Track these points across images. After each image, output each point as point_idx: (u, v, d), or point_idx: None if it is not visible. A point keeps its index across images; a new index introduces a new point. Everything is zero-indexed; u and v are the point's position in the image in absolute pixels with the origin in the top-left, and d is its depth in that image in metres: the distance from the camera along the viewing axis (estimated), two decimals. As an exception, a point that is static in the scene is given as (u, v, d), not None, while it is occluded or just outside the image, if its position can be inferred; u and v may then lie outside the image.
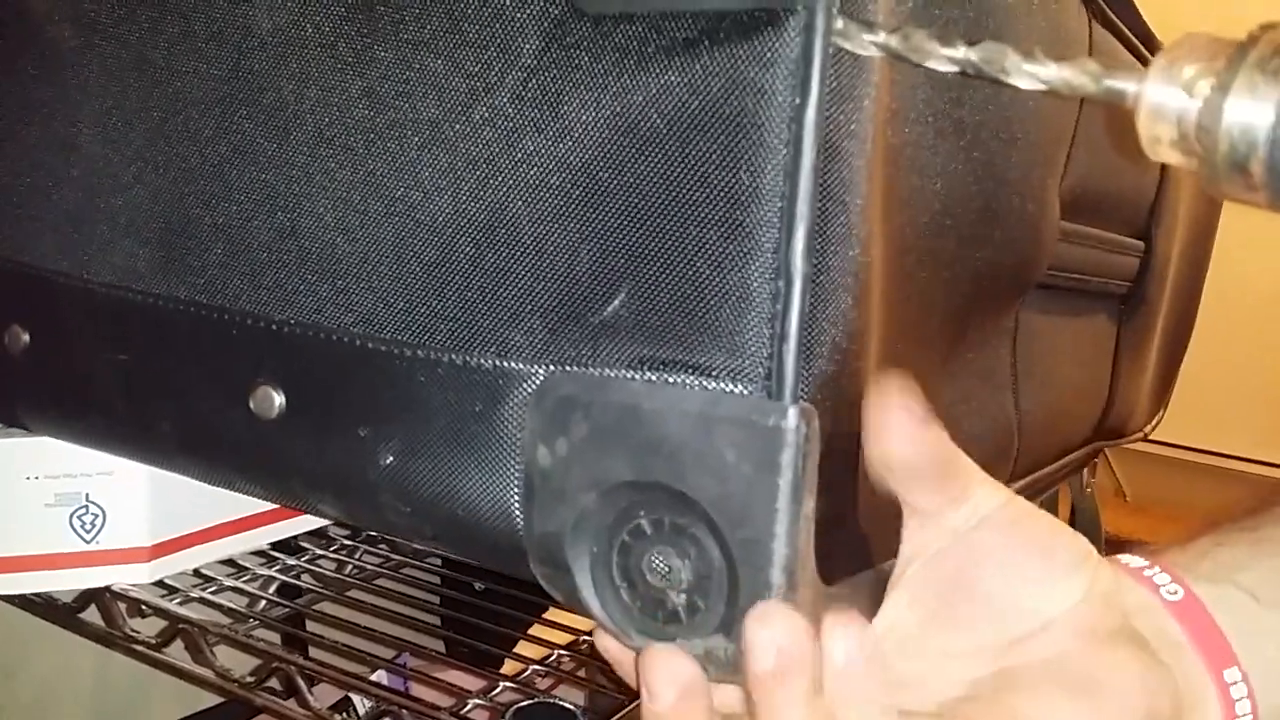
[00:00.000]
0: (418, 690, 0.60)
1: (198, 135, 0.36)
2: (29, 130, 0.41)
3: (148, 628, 0.50)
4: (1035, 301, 0.46)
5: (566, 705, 0.45)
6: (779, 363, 0.27)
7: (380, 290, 0.33)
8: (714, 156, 0.27)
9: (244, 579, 0.54)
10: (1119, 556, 0.33)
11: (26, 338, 0.42)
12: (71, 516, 0.48)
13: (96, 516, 0.48)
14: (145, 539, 0.49)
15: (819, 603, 0.28)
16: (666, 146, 0.28)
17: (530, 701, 0.46)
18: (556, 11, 0.29)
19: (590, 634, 0.50)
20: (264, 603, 0.54)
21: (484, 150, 0.30)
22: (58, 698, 0.66)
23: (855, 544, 0.31)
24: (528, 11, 0.30)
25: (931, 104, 0.32)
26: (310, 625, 0.60)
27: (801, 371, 0.27)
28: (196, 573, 0.52)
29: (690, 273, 0.28)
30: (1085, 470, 0.78)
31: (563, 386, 0.29)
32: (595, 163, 0.29)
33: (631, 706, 0.45)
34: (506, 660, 0.53)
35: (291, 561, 0.57)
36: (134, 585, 0.49)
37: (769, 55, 0.26)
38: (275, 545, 0.57)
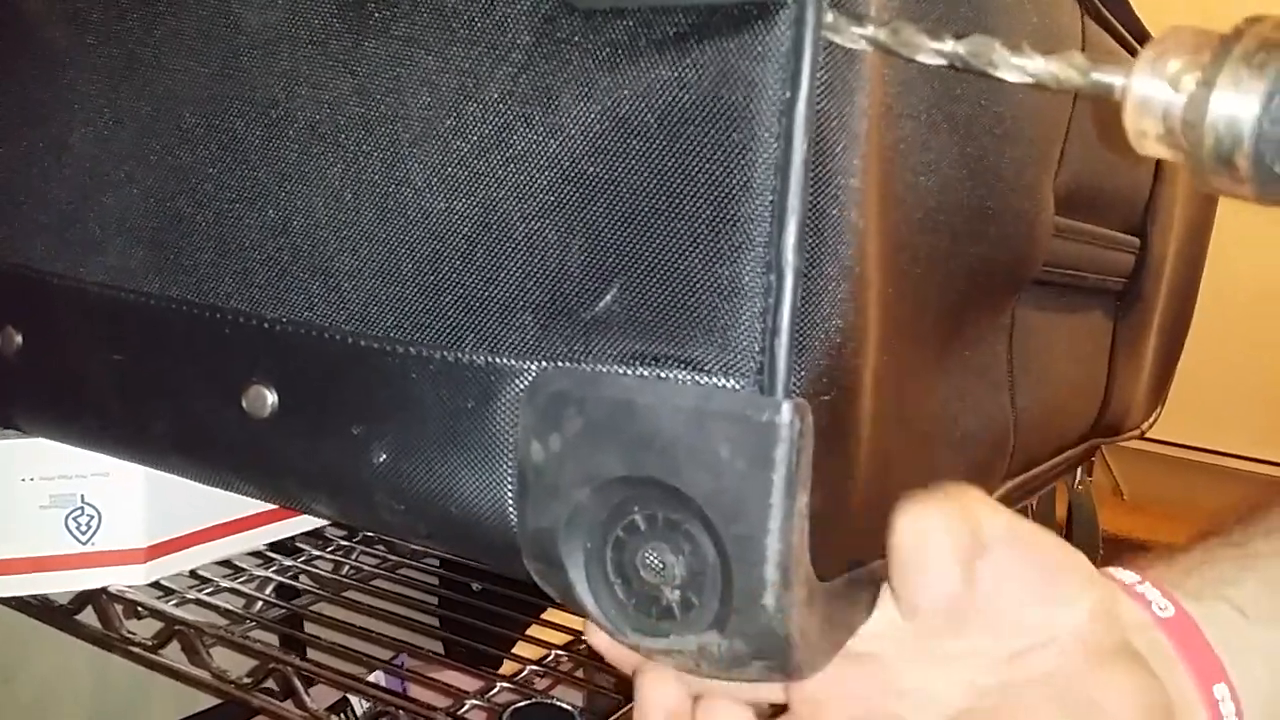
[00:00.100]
0: (415, 691, 0.60)
1: (189, 133, 0.36)
2: (20, 130, 0.41)
3: (144, 629, 0.50)
4: (1031, 298, 0.46)
5: (564, 706, 0.45)
6: (771, 357, 0.27)
7: (372, 287, 0.32)
8: (705, 151, 0.27)
9: (240, 580, 0.54)
10: (1110, 571, 0.33)
11: (20, 339, 0.42)
12: (67, 518, 0.48)
13: (92, 518, 0.48)
14: (141, 540, 0.49)
15: (814, 599, 0.28)
16: (657, 141, 0.28)
17: (527, 702, 0.46)
18: (547, 7, 0.29)
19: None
20: (260, 604, 0.54)
21: (475, 146, 0.30)
22: (56, 699, 0.66)
23: (850, 540, 0.31)
24: (518, 7, 0.30)
25: (924, 99, 0.32)
26: (307, 626, 0.59)
27: (794, 366, 0.27)
28: (193, 574, 0.52)
29: (682, 267, 0.28)
30: (1082, 468, 0.78)
31: (555, 382, 0.29)
32: (586, 158, 0.29)
33: (629, 707, 0.45)
34: (504, 661, 0.53)
35: (288, 562, 0.57)
36: (130, 587, 0.49)
37: (759, 49, 0.26)
38: (272, 546, 0.57)
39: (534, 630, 0.57)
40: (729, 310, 0.27)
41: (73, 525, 0.48)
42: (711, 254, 0.27)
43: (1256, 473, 1.20)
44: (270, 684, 0.47)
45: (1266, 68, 0.22)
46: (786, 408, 0.26)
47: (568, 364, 0.30)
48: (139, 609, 0.50)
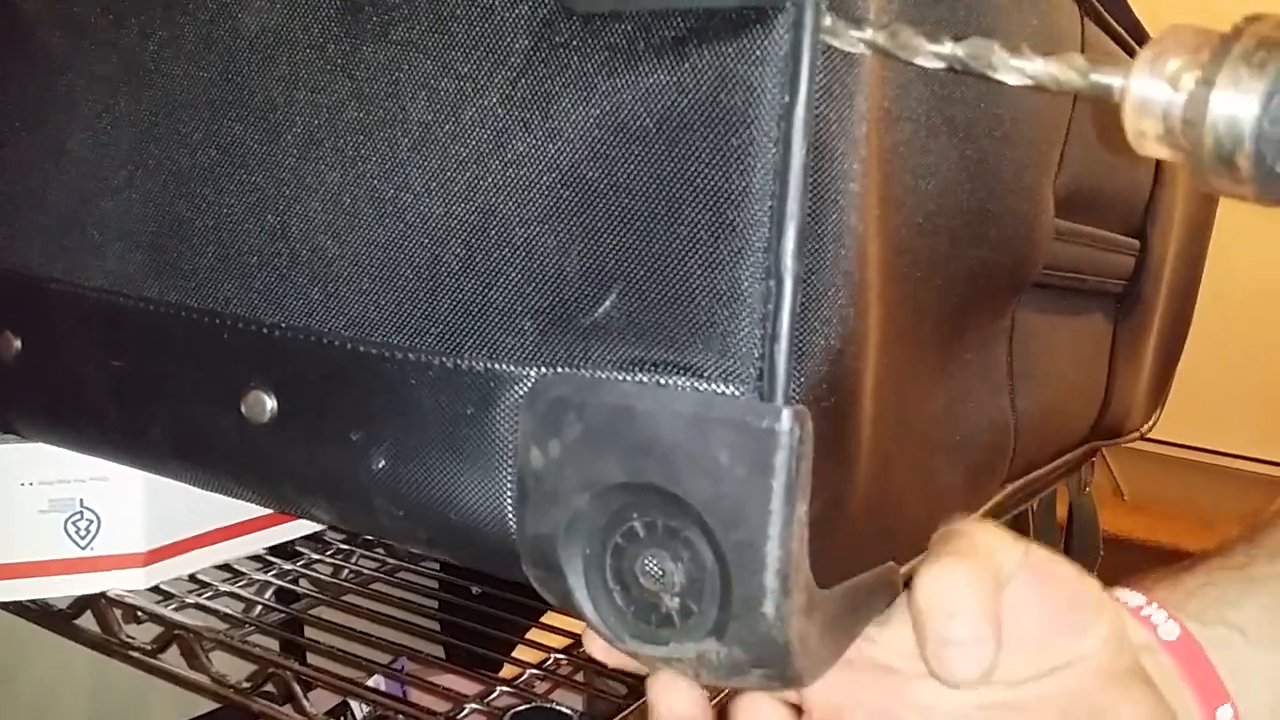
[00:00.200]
0: (415, 695, 0.59)
1: (187, 138, 0.36)
2: (19, 134, 0.41)
3: (143, 634, 0.50)
4: (1031, 301, 0.46)
5: (563, 710, 0.45)
6: (771, 363, 0.27)
7: (371, 293, 0.32)
8: (704, 155, 0.27)
9: (240, 584, 0.54)
10: (1117, 593, 0.33)
11: (19, 344, 0.42)
12: (66, 522, 0.48)
13: (91, 522, 0.48)
14: (140, 545, 0.49)
15: (814, 606, 0.28)
16: (656, 146, 0.27)
17: (527, 706, 0.46)
18: (545, 11, 0.29)
19: (588, 638, 0.50)
20: (260, 608, 0.54)
21: (474, 151, 0.30)
22: (56, 701, 0.66)
23: (850, 546, 0.31)
24: (516, 11, 0.30)
25: (924, 103, 0.32)
26: (307, 630, 0.59)
27: (794, 372, 0.27)
28: (192, 578, 0.52)
29: (681, 273, 0.27)
30: (1083, 469, 0.78)
31: (555, 388, 0.29)
32: (585, 163, 0.29)
33: (628, 711, 0.45)
34: (504, 665, 0.53)
35: (288, 566, 0.57)
36: (129, 591, 0.49)
37: (758, 53, 0.26)
38: (271, 550, 0.56)
39: (534, 634, 0.57)
40: (728, 316, 0.27)
41: (72, 530, 0.48)
42: (710, 259, 0.27)
43: (1256, 473, 1.20)
44: (269, 688, 0.46)
45: (1266, 67, 0.22)
46: (786, 414, 0.26)
47: (567, 370, 0.29)
48: (138, 613, 0.49)
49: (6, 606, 0.50)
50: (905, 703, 0.30)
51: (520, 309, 0.30)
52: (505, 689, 0.46)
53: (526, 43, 0.29)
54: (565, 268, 0.29)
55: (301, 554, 0.58)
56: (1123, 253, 0.58)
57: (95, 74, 0.39)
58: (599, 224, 0.29)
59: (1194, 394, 0.88)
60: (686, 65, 0.27)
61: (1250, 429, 1.21)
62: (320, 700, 0.50)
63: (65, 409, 0.42)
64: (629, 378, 0.28)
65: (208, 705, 0.70)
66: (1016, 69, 0.25)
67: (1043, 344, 0.49)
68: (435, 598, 0.61)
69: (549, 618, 0.57)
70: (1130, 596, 0.33)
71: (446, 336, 0.31)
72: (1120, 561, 0.33)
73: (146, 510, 0.49)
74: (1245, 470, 1.21)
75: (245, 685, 0.46)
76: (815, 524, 0.27)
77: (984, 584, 0.28)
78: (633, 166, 0.28)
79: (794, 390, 0.27)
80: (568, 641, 0.51)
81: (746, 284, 0.27)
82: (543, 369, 0.30)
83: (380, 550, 0.62)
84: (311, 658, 0.55)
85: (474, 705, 0.45)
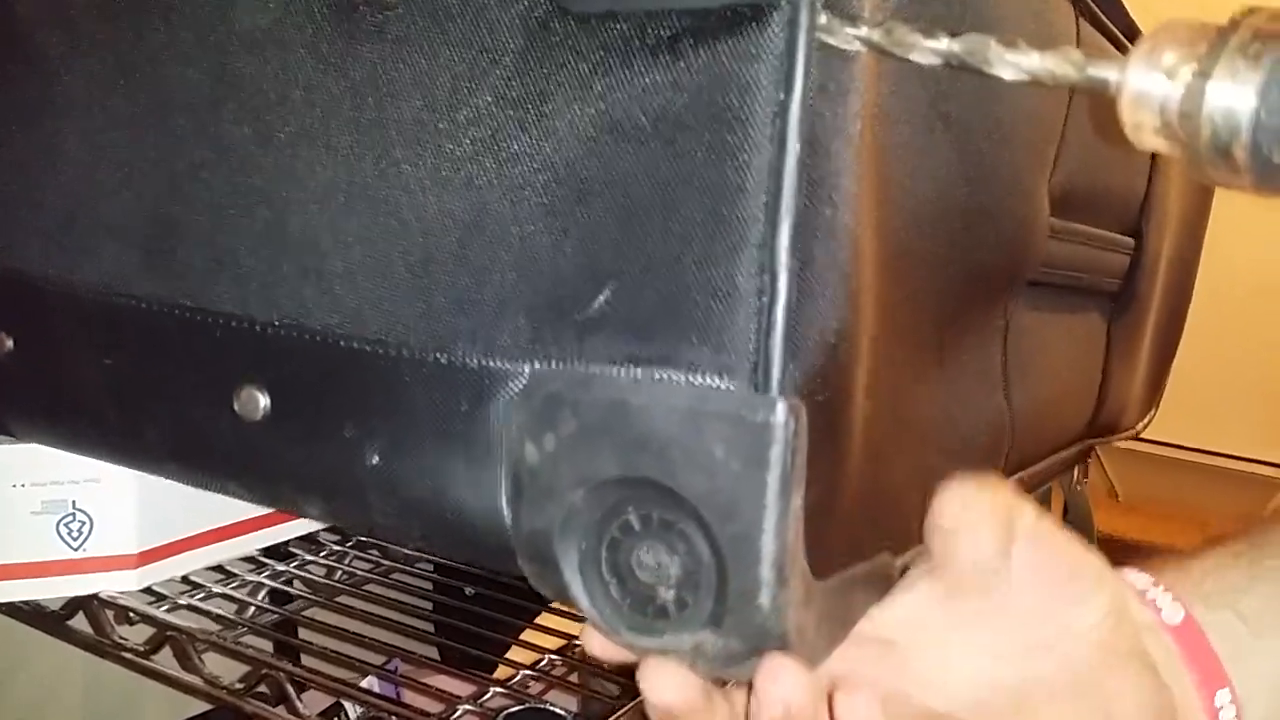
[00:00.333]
0: (408, 696, 0.59)
1: (181, 137, 0.36)
2: (12, 133, 0.41)
3: (136, 635, 0.49)
4: (1026, 299, 0.46)
5: (557, 710, 0.45)
6: (765, 358, 0.27)
7: (364, 290, 0.32)
8: (699, 153, 0.27)
9: (233, 585, 0.54)
10: (1124, 573, 0.33)
11: (11, 343, 0.42)
12: (59, 524, 0.48)
13: (84, 524, 0.48)
14: (133, 546, 0.49)
15: (811, 597, 0.28)
16: (651, 143, 0.27)
17: (520, 707, 0.45)
18: (540, 11, 0.29)
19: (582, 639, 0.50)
20: (253, 609, 0.53)
21: (468, 149, 0.30)
22: (49, 703, 0.66)
23: (845, 539, 0.31)
24: (511, 10, 0.30)
25: (920, 102, 0.32)
26: (300, 632, 0.59)
27: (789, 366, 0.27)
28: (185, 579, 0.52)
29: (675, 268, 0.27)
30: (1077, 468, 0.78)
31: (549, 384, 0.29)
32: (579, 161, 0.29)
33: (623, 711, 0.45)
34: (498, 665, 0.53)
35: (281, 568, 0.57)
36: (122, 592, 0.49)
37: (753, 51, 0.26)
38: (265, 551, 0.56)
39: (527, 635, 0.57)
40: (723, 311, 0.27)
41: (64, 531, 0.48)
42: (705, 255, 0.27)
43: (1250, 473, 1.20)
44: (263, 690, 0.46)
45: (1263, 58, 0.22)
46: (781, 407, 0.26)
47: (561, 365, 0.29)
48: (131, 615, 0.49)
49: None
50: (906, 675, 0.30)
51: (514, 305, 0.30)
52: (499, 690, 0.46)
53: (521, 41, 0.29)
54: (559, 264, 0.29)
55: (295, 555, 0.58)
56: (1118, 251, 0.58)
57: (89, 73, 0.38)
58: (594, 220, 0.29)
59: (1188, 394, 0.88)
60: (682, 63, 0.27)
61: (1245, 429, 1.21)
62: (313, 701, 0.50)
63: (59, 408, 0.42)
64: (623, 372, 0.28)
65: (201, 707, 0.70)
66: (1012, 64, 0.25)
67: (1038, 341, 0.49)
68: (429, 599, 0.61)
69: (543, 619, 0.57)
70: (1137, 578, 0.33)
71: (440, 333, 0.31)
72: (1114, 561, 0.33)
73: (139, 511, 0.48)
74: (1240, 471, 1.21)
75: (238, 686, 0.46)
76: (810, 516, 0.27)
77: (1002, 500, 0.29)
78: (628, 164, 0.28)
79: (789, 383, 0.27)
80: (561, 643, 0.51)
81: (741, 279, 0.27)
82: (537, 364, 0.30)
83: (374, 552, 0.62)
84: (305, 659, 0.54)
85: (468, 706, 0.45)
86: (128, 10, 0.37)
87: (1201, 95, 0.23)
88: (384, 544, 0.62)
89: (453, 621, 0.56)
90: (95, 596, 0.49)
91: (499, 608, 0.56)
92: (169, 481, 0.42)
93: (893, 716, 0.29)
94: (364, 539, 0.62)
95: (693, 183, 0.27)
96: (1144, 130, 0.24)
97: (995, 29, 0.34)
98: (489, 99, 0.30)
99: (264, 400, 0.35)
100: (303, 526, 0.57)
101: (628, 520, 0.28)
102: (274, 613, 0.56)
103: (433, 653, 0.59)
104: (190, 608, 0.51)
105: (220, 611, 0.51)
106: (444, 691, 0.47)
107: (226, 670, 0.47)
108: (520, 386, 0.30)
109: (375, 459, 0.32)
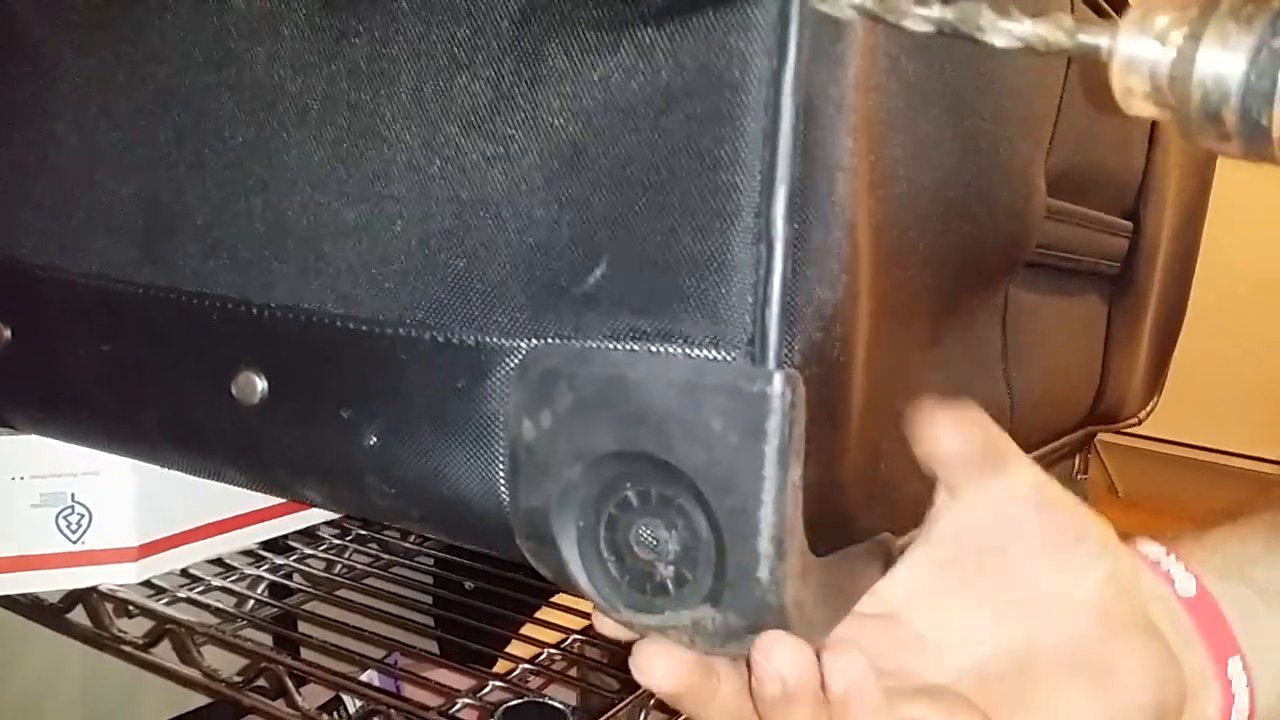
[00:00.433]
0: (408, 690, 0.59)
1: (176, 121, 0.36)
2: (8, 125, 0.41)
3: (135, 628, 0.49)
4: (1025, 281, 0.46)
5: (556, 704, 0.45)
6: (762, 329, 0.27)
7: (359, 269, 0.32)
8: (692, 122, 0.27)
9: (232, 579, 0.54)
10: (1137, 543, 0.33)
11: (8, 333, 0.42)
12: (58, 516, 0.48)
13: (83, 516, 0.48)
14: (132, 539, 0.48)
15: (809, 573, 0.28)
16: (646, 114, 0.27)
17: (519, 700, 0.45)
18: (534, -16, 0.29)
19: (582, 633, 0.50)
20: (252, 602, 0.53)
21: (463, 124, 0.30)
22: (48, 697, 0.65)
23: (843, 515, 0.31)
24: (506, -15, 0.30)
25: (915, 75, 0.32)
26: (300, 625, 0.59)
27: (785, 338, 0.27)
28: (184, 573, 0.52)
29: (671, 240, 0.27)
30: (1078, 459, 0.78)
31: (546, 359, 0.29)
32: (573, 133, 0.29)
33: (622, 706, 0.45)
34: (498, 659, 0.53)
35: (280, 561, 0.57)
36: (121, 585, 0.49)
37: (745, 18, 0.26)
38: (264, 545, 0.56)
39: (527, 629, 0.56)
40: (719, 282, 0.27)
41: (63, 524, 0.48)
42: (701, 226, 0.27)
43: (1250, 470, 1.20)
44: (262, 683, 0.46)
45: (1254, 21, 0.22)
46: (778, 378, 0.26)
47: (558, 341, 0.29)
48: (130, 608, 0.49)
49: (-2, 601, 0.50)
50: (908, 644, 0.30)
51: (510, 281, 0.30)
52: (498, 684, 0.46)
53: (515, 13, 0.29)
54: (555, 238, 0.29)
55: (294, 548, 0.58)
56: (1116, 234, 0.58)
57: (84, 60, 0.39)
58: (589, 193, 0.28)
59: (1189, 391, 0.88)
60: (675, 32, 0.27)
61: (1245, 427, 1.21)
62: (312, 695, 0.50)
63: (57, 397, 0.42)
64: (620, 346, 0.28)
65: (199, 700, 0.70)
66: (1005, 30, 0.25)
67: (1037, 325, 0.49)
68: (429, 592, 0.61)
69: (543, 613, 0.57)
70: (1150, 549, 0.33)
71: (436, 311, 0.31)
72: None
73: (138, 504, 0.48)
74: (1239, 468, 1.21)
75: (237, 680, 0.46)
76: (809, 490, 0.27)
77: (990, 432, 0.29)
78: (622, 135, 0.28)
79: (786, 355, 0.27)
80: (561, 637, 0.51)
81: (737, 250, 0.27)
82: (533, 340, 0.30)
83: (373, 545, 0.61)
84: (304, 652, 0.54)
85: (467, 700, 0.45)
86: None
87: (1192, 59, 0.23)
88: (383, 538, 0.62)
89: (452, 615, 0.56)
90: (94, 589, 0.49)
91: (499, 602, 0.56)
92: (168, 474, 0.42)
93: (894, 693, 0.29)
94: (363, 533, 0.61)
95: (687, 153, 0.27)
96: (1134, 95, 0.24)
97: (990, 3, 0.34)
98: (483, 72, 0.30)
99: (261, 383, 0.35)
100: (302, 520, 0.57)
101: (626, 497, 0.28)
102: (273, 606, 0.56)
103: (432, 646, 0.59)
104: (189, 601, 0.51)
105: (219, 605, 0.51)
106: (443, 685, 0.47)
107: (225, 663, 0.47)
108: (517, 363, 0.30)
109: (373, 440, 0.32)
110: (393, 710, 0.44)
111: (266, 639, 0.56)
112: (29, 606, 0.50)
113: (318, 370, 0.33)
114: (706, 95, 0.27)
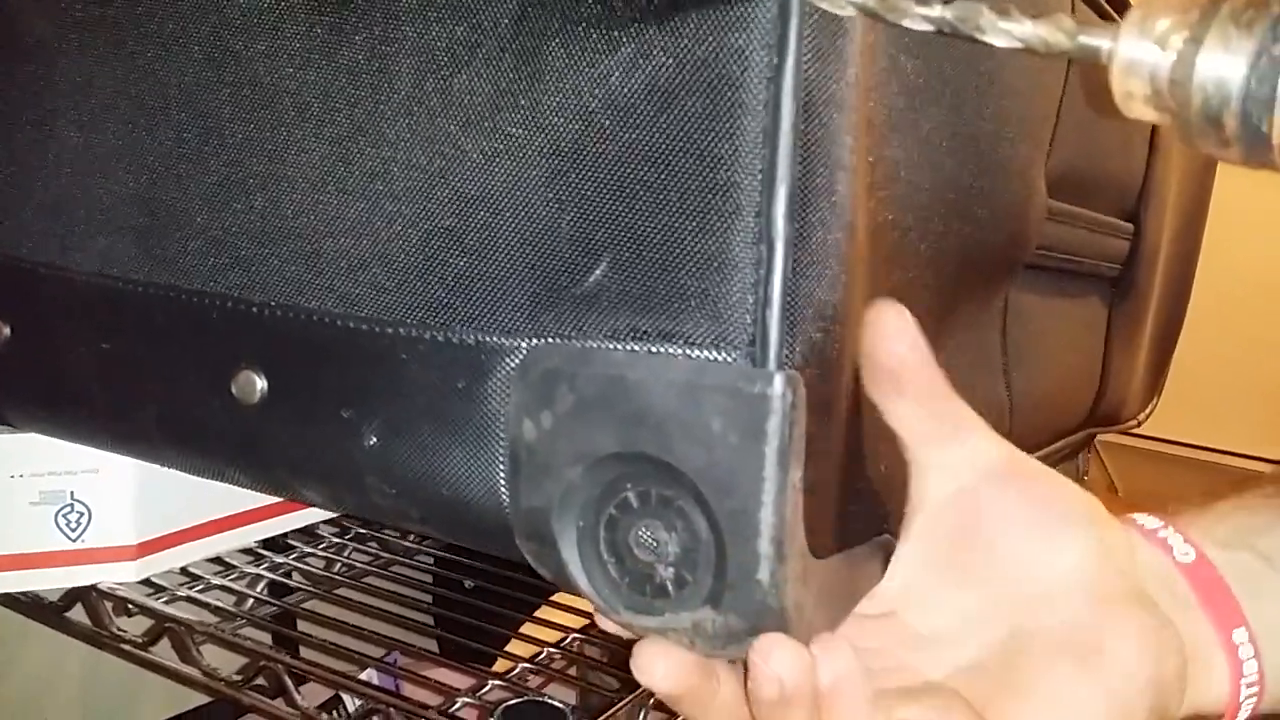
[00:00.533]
0: (407, 689, 0.59)
1: (175, 119, 0.36)
2: (8, 123, 0.41)
3: (134, 626, 0.49)
4: (1025, 283, 0.46)
5: (555, 703, 0.45)
6: (763, 329, 0.27)
7: (359, 268, 0.32)
8: (693, 120, 0.27)
9: (232, 577, 0.54)
10: (1134, 516, 0.33)
11: (8, 331, 0.42)
12: (57, 514, 0.48)
13: (82, 515, 0.48)
14: (131, 537, 0.48)
15: (810, 574, 0.28)
16: (645, 111, 0.27)
17: (519, 699, 0.45)
18: (534, -19, 0.29)
19: (581, 632, 0.50)
20: (252, 601, 0.53)
21: (462, 121, 0.30)
22: (47, 695, 0.65)
23: (844, 516, 0.31)
24: (503, -17, 0.30)
25: (915, 75, 0.32)
26: (299, 624, 0.59)
27: (786, 338, 0.27)
28: (184, 571, 0.52)
29: (671, 239, 0.27)
30: (1079, 458, 0.78)
31: (546, 359, 0.29)
32: (573, 131, 0.29)
33: (621, 705, 0.45)
34: (497, 658, 0.53)
35: (280, 560, 0.57)
36: (120, 584, 0.49)
37: (745, 16, 0.26)
38: (263, 543, 0.56)
39: (527, 628, 0.56)
40: (720, 282, 0.27)
41: (62, 522, 0.48)
42: (701, 225, 0.27)
43: (1251, 470, 1.20)
44: (261, 682, 0.46)
45: (1255, 26, 0.22)
46: (779, 379, 0.26)
47: (558, 340, 0.29)
48: (129, 606, 0.49)
49: (-3, 599, 0.50)
50: (905, 642, 0.30)
51: (510, 280, 0.30)
52: (498, 683, 0.46)
53: (515, 11, 0.29)
54: (555, 237, 0.29)
55: (294, 547, 0.58)
56: (1117, 236, 0.58)
57: (82, 57, 0.38)
58: (589, 192, 0.28)
59: (1189, 391, 0.88)
60: (674, 29, 0.27)
61: (1245, 426, 1.21)
62: (312, 694, 0.50)
63: (57, 396, 0.42)
64: (621, 347, 0.28)
65: (199, 699, 0.70)
66: (1005, 31, 0.25)
67: (1038, 327, 0.49)
68: (428, 592, 0.61)
69: (543, 612, 0.57)
70: (1147, 520, 0.32)
71: (436, 310, 0.31)
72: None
73: (137, 503, 0.48)
74: (1240, 468, 1.21)
75: (236, 678, 0.46)
76: (809, 492, 0.27)
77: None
78: (621, 133, 0.28)
79: (786, 356, 0.27)
80: (560, 636, 0.51)
81: (738, 249, 0.27)
82: (534, 340, 0.30)
83: (373, 544, 0.62)
84: (303, 651, 0.54)
85: (466, 699, 0.45)
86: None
87: (1193, 63, 0.22)
88: (383, 536, 0.62)
89: (452, 614, 0.56)
90: (94, 588, 0.49)
91: (498, 600, 0.56)
92: (168, 472, 0.42)
93: (891, 693, 0.29)
94: (363, 531, 0.61)
95: (686, 151, 0.27)
96: (1134, 99, 0.24)
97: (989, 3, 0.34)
98: (483, 69, 0.30)
99: (261, 383, 0.34)
100: (301, 518, 0.57)
101: (626, 498, 0.28)
102: (273, 605, 0.56)
103: (432, 645, 0.59)
104: (189, 599, 0.51)
105: (219, 603, 0.51)
106: (443, 684, 0.47)
107: (225, 662, 0.47)
108: (518, 363, 0.30)
109: (373, 439, 0.32)
110: (392, 709, 0.44)
111: (266, 638, 0.56)
112: (28, 605, 0.50)
113: (318, 369, 0.33)
114: (706, 93, 0.27)
